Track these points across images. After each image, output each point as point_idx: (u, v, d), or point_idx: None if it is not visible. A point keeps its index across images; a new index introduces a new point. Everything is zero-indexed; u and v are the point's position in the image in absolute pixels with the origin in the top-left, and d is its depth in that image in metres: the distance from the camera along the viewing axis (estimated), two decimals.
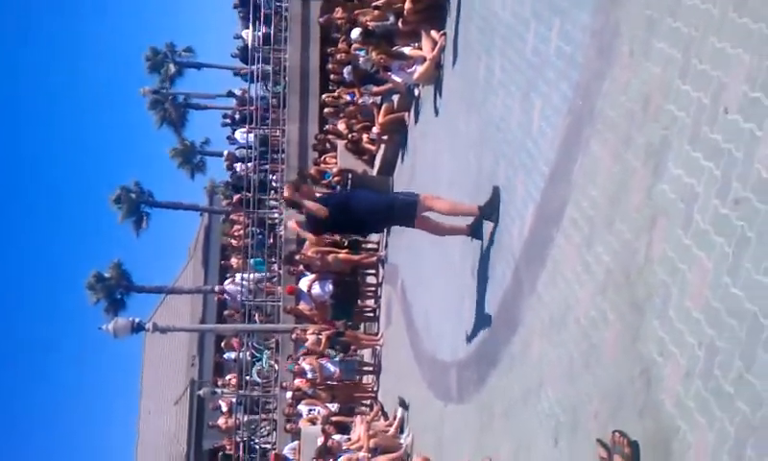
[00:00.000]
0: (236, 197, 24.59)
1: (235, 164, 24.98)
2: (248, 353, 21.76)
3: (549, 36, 5.97)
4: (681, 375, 3.40)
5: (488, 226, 7.27)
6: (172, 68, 40.20)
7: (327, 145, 18.87)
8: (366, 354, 16.91)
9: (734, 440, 2.95)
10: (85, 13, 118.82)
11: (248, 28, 23.92)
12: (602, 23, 4.95)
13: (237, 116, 25.42)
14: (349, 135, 16.42)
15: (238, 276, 22.43)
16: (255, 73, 23.51)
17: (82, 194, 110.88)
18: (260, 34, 23.27)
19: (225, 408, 22.78)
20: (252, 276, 21.74)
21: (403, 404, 11.82)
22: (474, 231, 7.47)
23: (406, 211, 7.46)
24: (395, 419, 12.19)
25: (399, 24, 11.82)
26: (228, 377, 23.43)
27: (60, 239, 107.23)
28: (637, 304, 3.92)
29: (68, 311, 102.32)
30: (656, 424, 3.57)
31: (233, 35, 26.83)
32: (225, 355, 24.73)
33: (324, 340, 15.08)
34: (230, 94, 28.82)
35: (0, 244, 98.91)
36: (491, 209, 7.10)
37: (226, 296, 22.87)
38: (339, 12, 15.69)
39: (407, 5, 11.06)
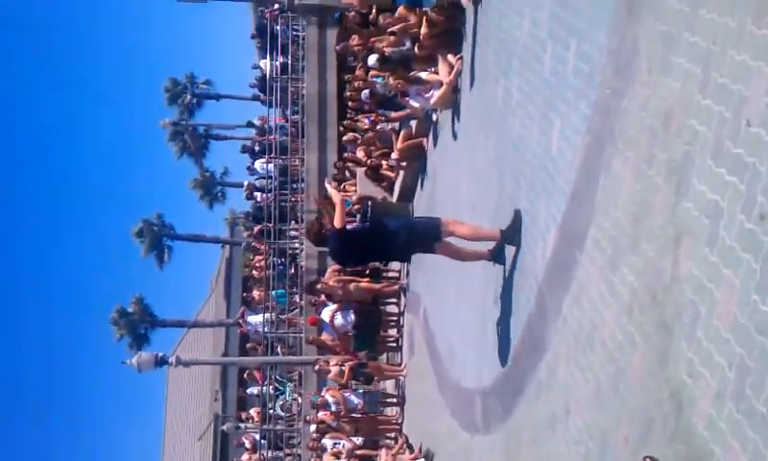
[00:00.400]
0: (257, 228, 24.63)
1: (255, 194, 25.10)
2: (270, 387, 21.67)
3: (566, 56, 5.93)
4: (711, 396, 3.30)
5: (510, 250, 7.19)
6: (191, 99, 40.55)
7: (347, 173, 18.90)
8: (389, 385, 16.78)
9: None
10: (105, 46, 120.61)
11: (265, 58, 24.09)
12: (619, 41, 4.90)
13: (257, 148, 25.53)
14: (368, 161, 16.42)
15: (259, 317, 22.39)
16: (274, 102, 23.64)
17: (104, 227, 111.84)
18: (278, 63, 23.42)
19: (248, 445, 22.64)
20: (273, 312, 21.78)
21: (428, 457, 11.72)
22: (496, 256, 7.39)
23: (429, 236, 7.40)
24: (419, 451, 12.08)
25: (416, 49, 11.84)
26: (251, 411, 23.34)
27: (82, 274, 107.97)
28: (665, 325, 3.83)
29: (93, 346, 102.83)
30: (688, 448, 3.47)
31: (251, 64, 27.03)
32: (248, 390, 24.59)
33: (347, 371, 14.97)
34: (250, 124, 28.99)
35: (23, 281, 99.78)
36: (513, 233, 7.02)
37: (246, 326, 22.77)
38: (355, 40, 15.75)
39: (423, 30, 11.08)
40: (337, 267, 16.16)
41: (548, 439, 5.74)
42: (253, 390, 23.84)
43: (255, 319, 22.50)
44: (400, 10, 11.91)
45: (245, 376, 24.82)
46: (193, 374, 31.93)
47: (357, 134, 17.28)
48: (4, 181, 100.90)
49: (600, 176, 4.98)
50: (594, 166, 5.11)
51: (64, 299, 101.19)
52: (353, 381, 15.45)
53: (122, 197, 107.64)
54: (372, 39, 13.66)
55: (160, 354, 19.06)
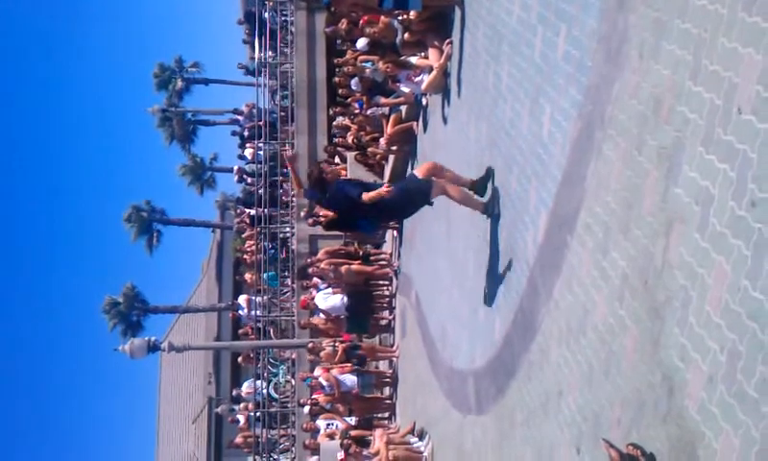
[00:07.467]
0: (246, 212, 24.61)
1: (245, 177, 25.07)
2: (264, 372, 21.73)
3: (556, 41, 5.95)
4: (703, 380, 3.36)
5: (501, 232, 7.25)
6: (180, 84, 40.29)
7: (336, 158, 18.85)
8: (381, 366, 16.88)
9: (760, 444, 2.91)
10: (93, 31, 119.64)
11: (254, 43, 23.97)
12: (609, 27, 4.93)
13: (246, 133, 25.44)
14: (358, 144, 16.37)
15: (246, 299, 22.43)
16: (262, 87, 23.53)
17: (93, 214, 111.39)
18: (266, 48, 23.31)
19: (243, 422, 22.67)
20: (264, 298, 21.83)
21: (422, 436, 11.78)
22: (489, 209, 7.64)
23: (422, 192, 7.69)
24: (412, 430, 12.16)
25: (405, 34, 11.80)
26: (243, 391, 23.36)
27: (73, 261, 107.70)
28: (656, 310, 3.88)
29: (86, 335, 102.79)
30: (680, 431, 3.53)
31: (248, 55, 26.81)
32: (242, 385, 24.57)
33: (339, 351, 15.06)
34: (237, 112, 28.72)
35: (13, 268, 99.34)
36: (482, 184, 7.72)
37: (239, 312, 22.88)
38: (344, 24, 15.65)
39: (412, 15, 11.04)
40: (330, 248, 16.23)
41: (541, 420, 5.81)
42: (248, 378, 23.87)
43: (241, 299, 22.68)
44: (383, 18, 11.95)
45: (239, 360, 24.82)
46: (186, 358, 31.99)
47: (348, 119, 17.23)
48: None
49: (591, 161, 5.02)
50: (585, 151, 5.14)
51: (54, 288, 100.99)
52: (347, 363, 15.52)
53: (113, 184, 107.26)
54: (363, 23, 13.58)
55: (152, 339, 19.09)
